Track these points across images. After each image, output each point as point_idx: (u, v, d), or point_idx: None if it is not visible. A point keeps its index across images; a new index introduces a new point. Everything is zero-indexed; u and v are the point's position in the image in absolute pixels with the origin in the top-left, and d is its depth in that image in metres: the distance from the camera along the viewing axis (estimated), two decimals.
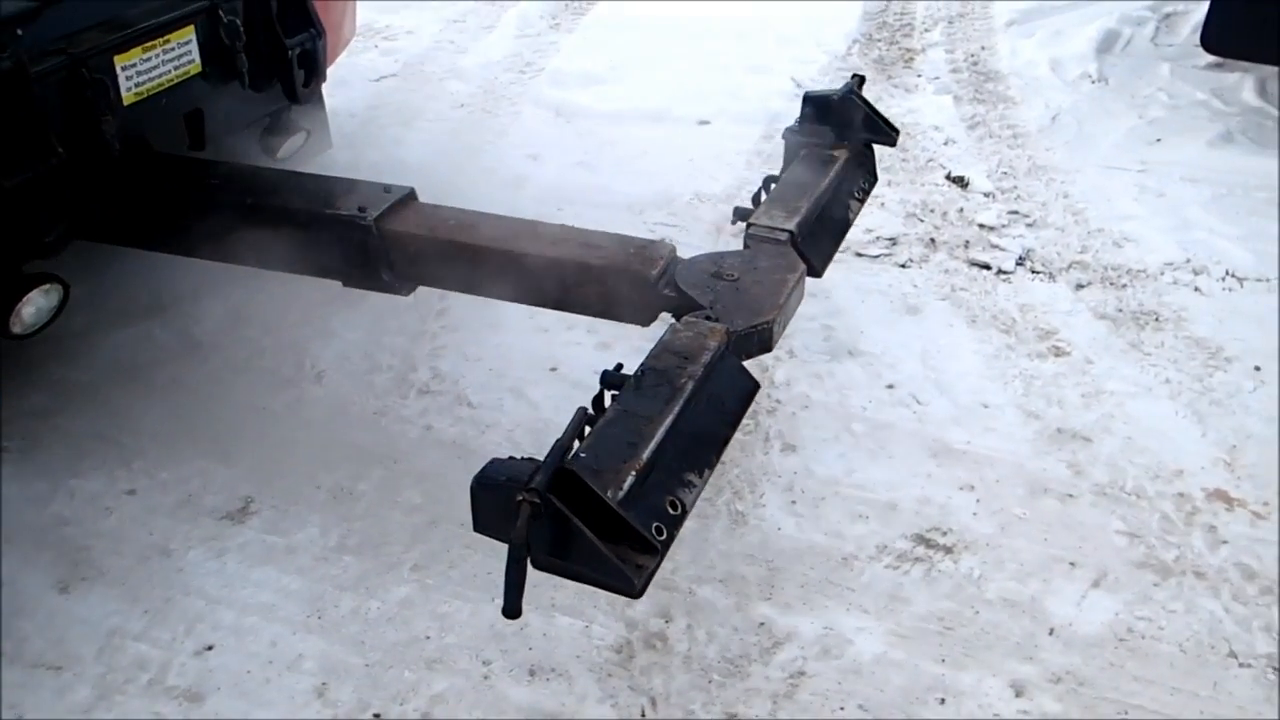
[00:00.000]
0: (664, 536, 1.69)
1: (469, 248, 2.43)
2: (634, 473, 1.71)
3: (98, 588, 2.37)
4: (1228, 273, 3.47)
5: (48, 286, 2.39)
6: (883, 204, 3.85)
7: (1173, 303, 3.35)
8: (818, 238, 2.55)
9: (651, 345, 1.99)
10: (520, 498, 1.55)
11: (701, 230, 3.76)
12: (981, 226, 3.76)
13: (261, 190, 2.62)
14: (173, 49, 2.55)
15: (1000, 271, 3.52)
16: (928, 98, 4.76)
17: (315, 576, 2.41)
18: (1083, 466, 2.72)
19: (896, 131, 2.91)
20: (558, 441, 1.64)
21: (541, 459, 1.62)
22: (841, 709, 2.13)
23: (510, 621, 2.24)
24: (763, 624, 2.31)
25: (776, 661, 2.23)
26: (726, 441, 1.98)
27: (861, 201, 2.81)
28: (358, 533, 2.52)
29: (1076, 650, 2.25)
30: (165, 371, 2.97)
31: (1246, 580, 2.39)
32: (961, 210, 3.86)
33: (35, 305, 2.37)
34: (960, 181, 4.04)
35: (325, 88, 3.24)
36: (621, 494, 1.66)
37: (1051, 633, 2.29)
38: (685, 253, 3.57)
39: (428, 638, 2.27)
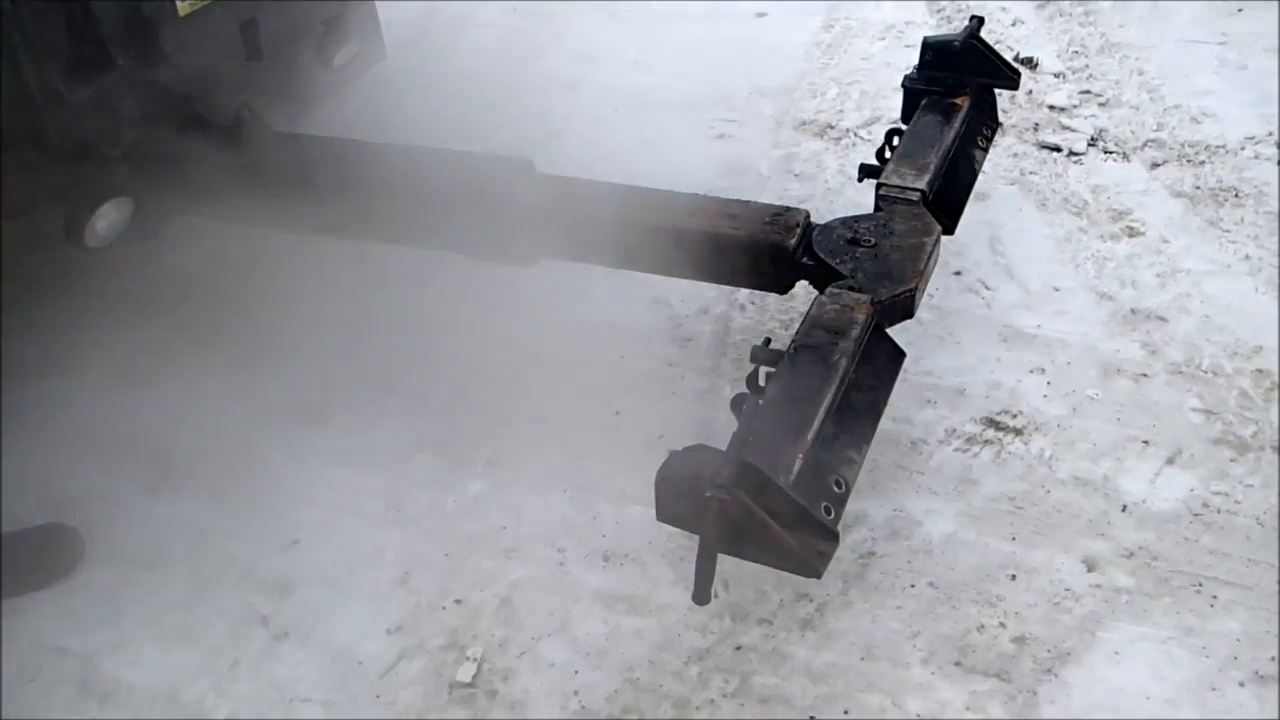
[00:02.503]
0: (832, 516, 1.76)
1: (594, 220, 2.43)
2: (801, 456, 1.77)
3: (186, 490, 2.47)
4: None
5: (120, 199, 2.44)
6: None
7: (1254, 178, 3.23)
8: (948, 194, 2.52)
9: None
10: (709, 494, 1.60)
11: (761, 125, 3.71)
12: (1052, 108, 3.63)
13: (377, 166, 2.61)
14: None
15: (1071, 153, 3.41)
16: None
17: (392, 475, 2.48)
18: (1158, 346, 2.66)
19: (1018, 74, 2.84)
20: (736, 433, 1.68)
21: (721, 448, 1.67)
22: (912, 586, 2.15)
23: (584, 512, 2.33)
24: None
25: (846, 543, 2.24)
26: (880, 414, 2.02)
27: (986, 150, 2.77)
28: (432, 431, 2.58)
29: (1150, 526, 2.23)
30: (235, 284, 3.03)
31: None
32: (1030, 92, 3.73)
33: (108, 219, 2.43)
34: (1029, 63, 3.90)
35: None
36: (792, 478, 1.72)
37: (1125, 510, 2.27)
38: (748, 150, 3.59)
39: (504, 529, 2.33)
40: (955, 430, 2.48)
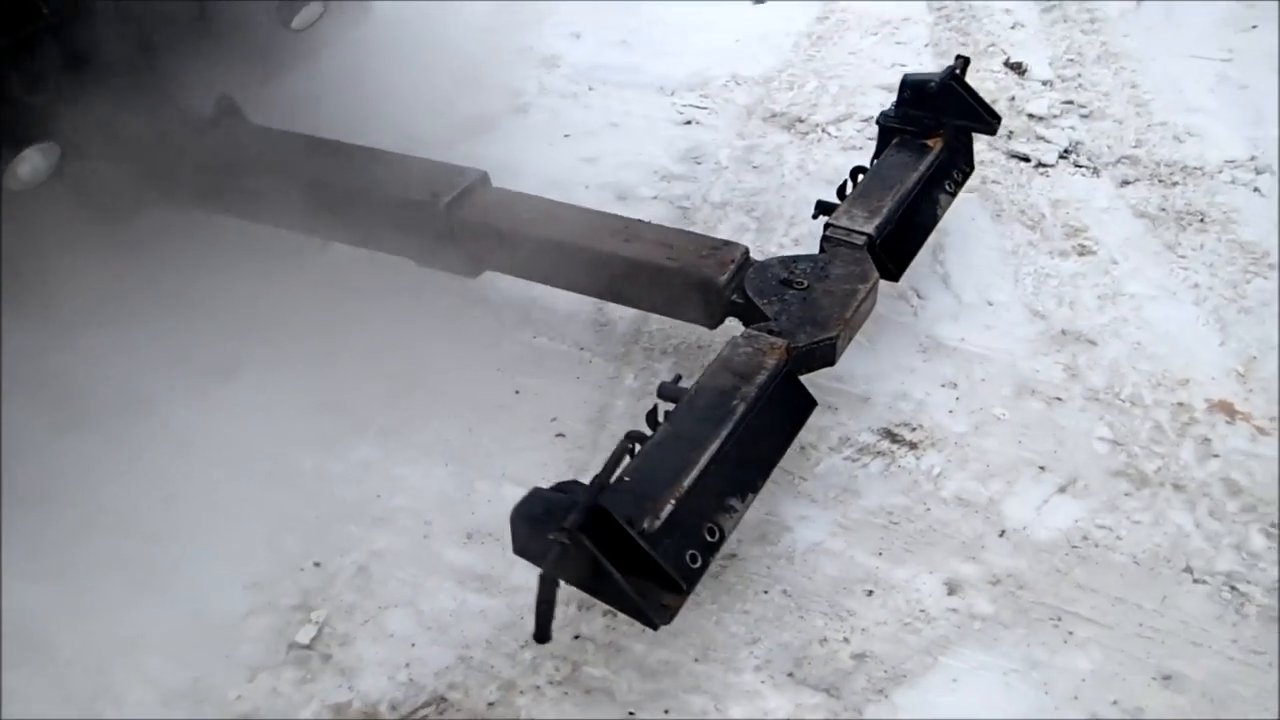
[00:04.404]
0: (698, 565, 1.77)
1: (536, 239, 2.45)
2: (673, 501, 1.78)
3: (87, 433, 2.51)
4: None
5: (46, 145, 2.48)
6: None
7: (1225, 203, 3.10)
8: (899, 239, 2.51)
9: None
10: (552, 536, 1.62)
11: (731, 114, 3.65)
12: (1030, 116, 3.53)
13: (338, 168, 2.67)
14: None
15: (1040, 165, 3.31)
16: None
17: (285, 434, 2.50)
18: (1080, 370, 2.58)
19: (998, 119, 2.81)
20: (597, 476, 1.70)
21: (585, 484, 1.70)
22: (765, 592, 2.12)
23: (460, 487, 2.34)
24: None
25: None
26: (774, 464, 2.01)
27: (953, 194, 2.74)
28: (334, 396, 2.59)
29: (1025, 554, 2.17)
30: (185, 232, 3.07)
31: (1229, 496, 2.25)
32: (1013, 99, 3.63)
33: (31, 163, 2.47)
34: (1018, 68, 3.79)
35: None
36: (659, 523, 1.74)
37: (1002, 534, 2.21)
38: (712, 137, 3.54)
39: (378, 497, 2.34)
40: (849, 439, 2.43)
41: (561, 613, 2.09)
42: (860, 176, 2.67)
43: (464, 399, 2.57)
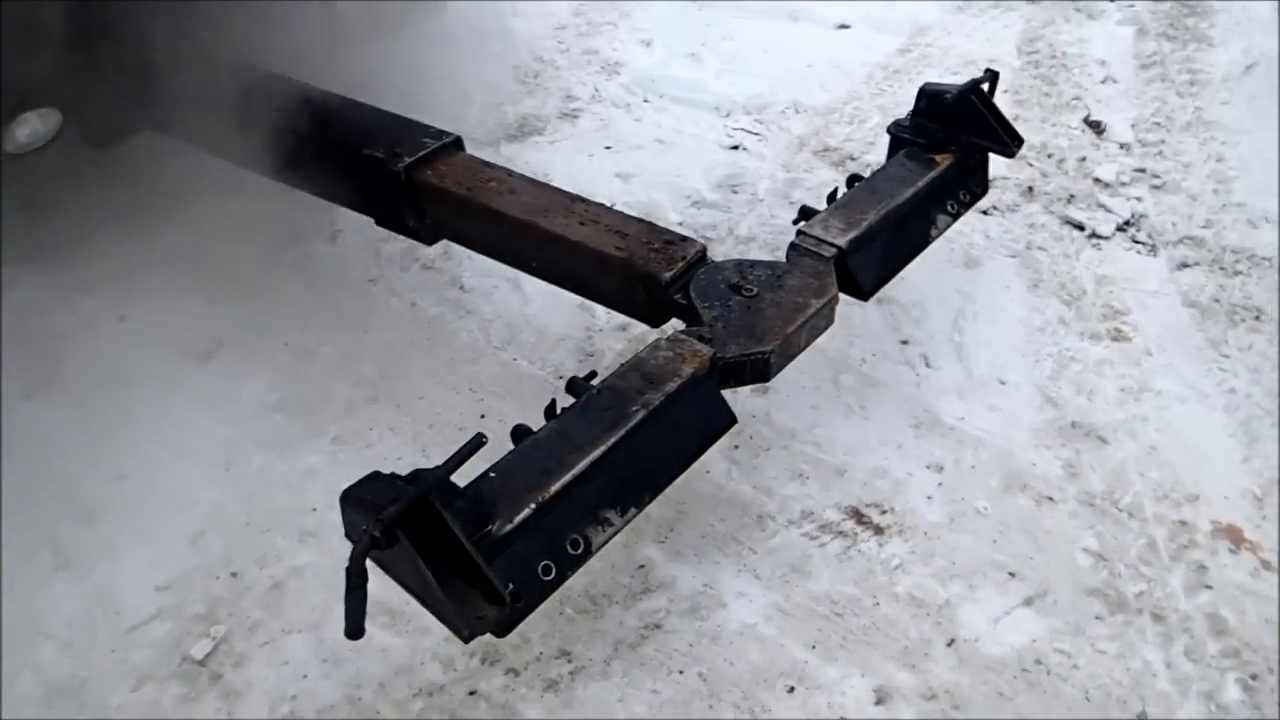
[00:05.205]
0: (550, 577, 1.65)
1: (490, 212, 2.33)
2: (533, 505, 1.65)
3: (55, 401, 2.52)
4: None
5: (45, 110, 2.49)
6: None
7: None
8: (877, 255, 2.33)
9: None
10: (364, 525, 1.51)
11: (782, 143, 3.50)
12: (1097, 181, 3.28)
13: (315, 117, 2.59)
14: None
15: (1094, 235, 3.07)
16: (1108, 27, 4.18)
17: (242, 429, 2.47)
18: (1082, 469, 2.37)
19: (1019, 141, 2.59)
20: (436, 467, 1.57)
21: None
22: (680, 672, 1.99)
23: None
24: (643, 566, 2.18)
25: (639, 608, 2.10)
26: (669, 480, 1.86)
27: (956, 216, 2.54)
28: (300, 395, 2.55)
29: (968, 670, 1.99)
30: (194, 211, 3.07)
31: (1213, 636, 2.03)
32: (1084, 159, 3.38)
33: (30, 127, 2.49)
34: (1097, 127, 3.54)
35: None
36: (509, 527, 1.61)
37: (951, 643, 2.04)
38: (755, 166, 3.39)
39: (314, 510, 2.28)
40: (812, 513, 2.28)
41: (463, 664, 2.01)
42: (855, 185, 2.49)
43: (426, 416, 2.50)
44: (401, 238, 2.99)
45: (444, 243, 2.98)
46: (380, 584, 2.08)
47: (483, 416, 2.51)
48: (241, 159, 2.65)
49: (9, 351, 2.63)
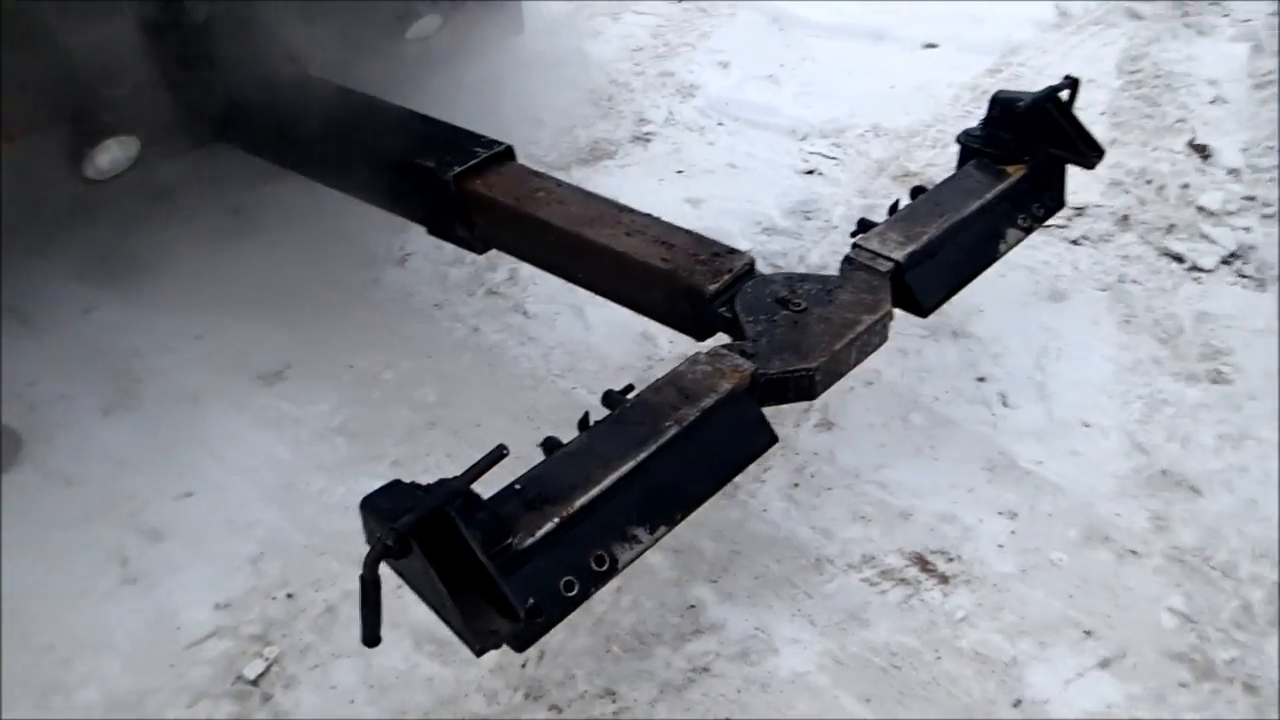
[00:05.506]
0: (573, 593, 1.60)
1: (537, 222, 2.31)
2: (557, 519, 1.61)
3: (130, 419, 2.59)
4: None
5: (125, 138, 2.56)
6: None
7: None
8: (938, 271, 2.22)
9: None
10: (378, 534, 1.49)
11: (860, 168, 3.40)
12: (1200, 209, 3.10)
13: (373, 127, 2.62)
14: None
15: (1195, 268, 2.90)
16: (1219, 44, 3.95)
17: (305, 451, 2.49)
18: (1171, 522, 2.22)
19: (1099, 152, 2.45)
20: (456, 477, 1.55)
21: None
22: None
23: None
24: (693, 607, 2.11)
25: (687, 650, 2.04)
26: (703, 499, 1.80)
27: (1028, 231, 2.42)
28: (361, 418, 2.57)
29: None
30: (270, 233, 3.13)
31: None
32: (1186, 186, 3.20)
33: (111, 154, 2.56)
34: (1202, 150, 3.35)
35: None
36: (531, 540, 1.58)
37: (1017, 704, 1.92)
38: (830, 192, 3.30)
39: None
40: (873, 558, 2.18)
41: (507, 698, 1.98)
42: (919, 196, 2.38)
43: (483, 444, 2.44)
44: (468, 261, 3.03)
45: (510, 268, 3.00)
46: (434, 616, 2.07)
47: (538, 445, 2.47)
48: (302, 167, 2.70)
49: (92, 370, 2.72)
